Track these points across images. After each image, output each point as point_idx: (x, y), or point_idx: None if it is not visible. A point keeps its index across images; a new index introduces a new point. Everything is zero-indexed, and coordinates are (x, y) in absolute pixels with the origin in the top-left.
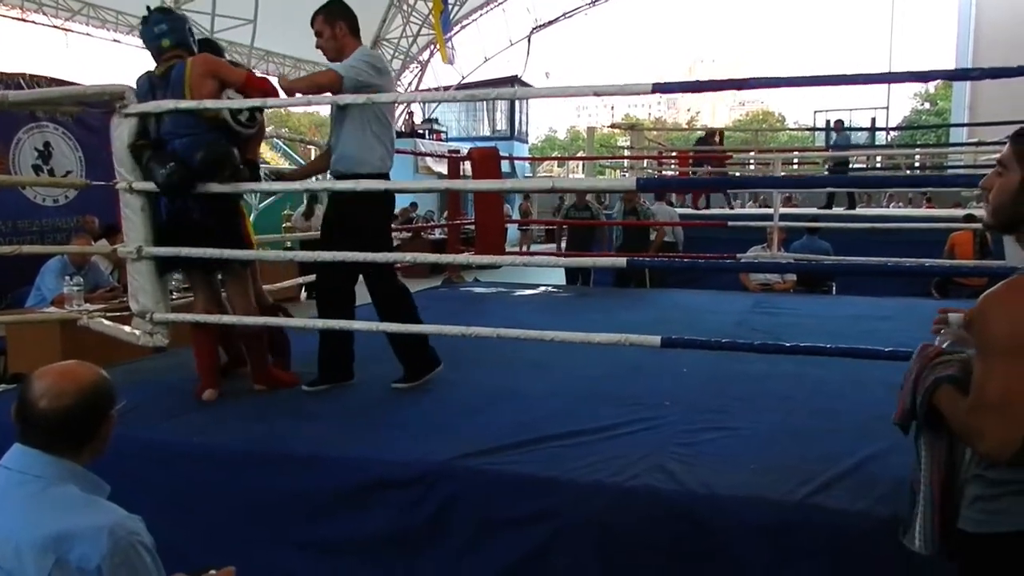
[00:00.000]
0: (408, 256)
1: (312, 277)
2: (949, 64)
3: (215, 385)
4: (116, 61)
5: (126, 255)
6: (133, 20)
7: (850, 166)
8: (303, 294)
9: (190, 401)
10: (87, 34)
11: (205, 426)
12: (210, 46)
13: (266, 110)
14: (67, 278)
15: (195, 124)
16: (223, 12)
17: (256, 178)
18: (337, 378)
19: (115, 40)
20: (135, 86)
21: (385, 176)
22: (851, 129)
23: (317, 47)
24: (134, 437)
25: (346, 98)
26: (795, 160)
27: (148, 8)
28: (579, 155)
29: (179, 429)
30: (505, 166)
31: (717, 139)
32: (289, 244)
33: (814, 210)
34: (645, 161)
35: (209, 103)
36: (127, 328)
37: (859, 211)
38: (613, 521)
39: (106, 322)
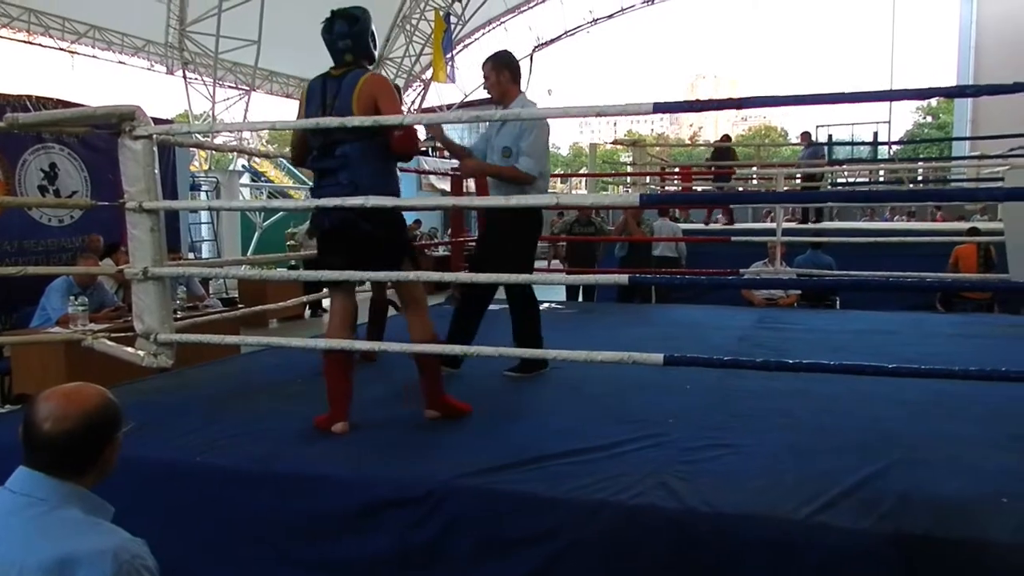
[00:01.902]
0: (411, 275)
1: (315, 295)
2: (951, 78)
3: (345, 417)
4: (121, 83)
5: (132, 276)
6: (138, 42)
7: (823, 180)
8: (307, 312)
9: (194, 420)
10: (93, 56)
11: (209, 446)
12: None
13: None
14: (72, 298)
15: (364, 130)
16: (228, 33)
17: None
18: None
19: (120, 62)
20: (309, 84)
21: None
22: (843, 143)
23: (484, 88)
24: (138, 456)
25: (353, 120)
26: (797, 175)
27: (332, 11)
28: (582, 171)
29: (183, 449)
30: None
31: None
32: (293, 262)
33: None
34: (648, 177)
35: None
36: (131, 349)
37: (863, 225)
38: (617, 540)
39: (109, 343)
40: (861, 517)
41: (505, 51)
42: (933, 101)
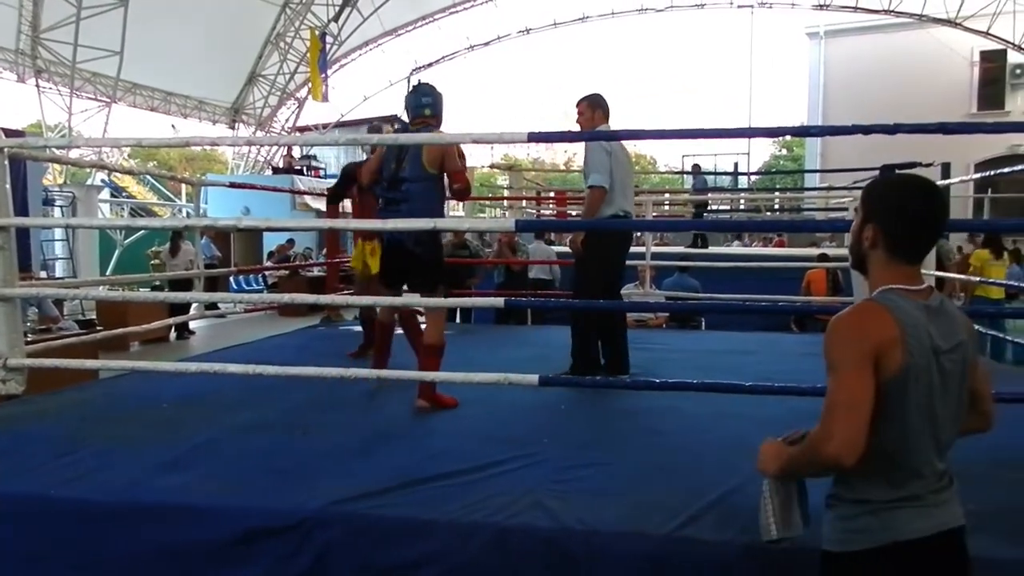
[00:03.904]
0: (285, 297)
1: (181, 318)
2: (804, 114)
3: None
4: None
5: None
6: None
7: (708, 208)
8: (172, 334)
9: (47, 451)
10: None
11: (65, 478)
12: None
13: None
14: None
15: (423, 173)
16: (87, 42)
17: None
18: (589, 370)
19: None
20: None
21: (619, 217)
22: (711, 173)
23: (577, 122)
24: None
25: (226, 139)
26: (665, 202)
27: (419, 81)
28: None
29: (35, 482)
30: None
31: None
32: (158, 282)
33: (683, 248)
34: (524, 201)
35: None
36: None
37: (725, 250)
38: (492, 561)
39: None
40: (722, 530)
41: (598, 94)
42: (787, 136)
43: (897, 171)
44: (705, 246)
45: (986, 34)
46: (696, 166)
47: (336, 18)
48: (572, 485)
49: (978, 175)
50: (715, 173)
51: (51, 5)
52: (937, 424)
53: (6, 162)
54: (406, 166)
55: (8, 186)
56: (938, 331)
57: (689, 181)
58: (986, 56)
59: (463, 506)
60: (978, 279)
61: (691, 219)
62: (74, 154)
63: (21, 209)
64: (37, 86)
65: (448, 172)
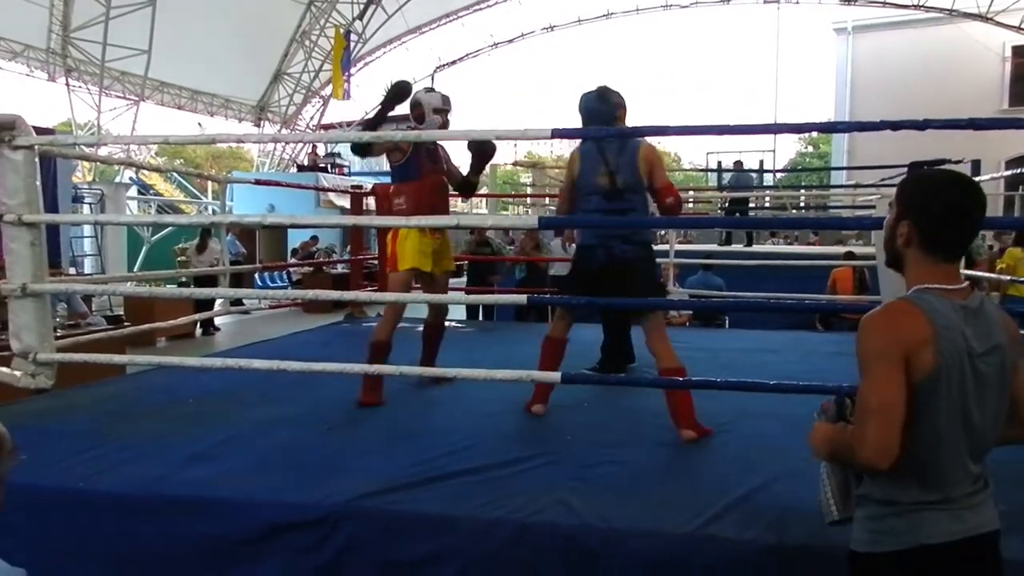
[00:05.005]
0: (309, 293)
1: (206, 314)
2: (830, 110)
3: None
4: None
5: (10, 292)
6: (17, 46)
7: (749, 204)
8: (198, 330)
9: (76, 444)
10: None
11: (93, 471)
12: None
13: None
14: None
15: (638, 183)
16: (115, 41)
17: None
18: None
19: None
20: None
21: None
22: (749, 171)
23: None
24: (15, 484)
25: (252, 137)
26: (690, 199)
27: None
28: (482, 192)
29: (65, 474)
30: None
31: None
32: (184, 279)
33: (709, 246)
34: (547, 198)
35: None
36: (6, 368)
37: (750, 248)
38: (513, 558)
39: None
40: (746, 528)
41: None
42: (813, 132)
43: (927, 167)
44: (750, 244)
45: (1018, 29)
46: (738, 163)
47: (361, 16)
48: (595, 482)
49: (1009, 172)
50: (751, 170)
51: (81, 5)
52: (972, 428)
53: (37, 160)
54: (620, 175)
55: (39, 183)
56: (974, 333)
57: (714, 178)
58: (1018, 51)
59: (485, 503)
60: (1009, 278)
61: (718, 216)
62: (103, 152)
63: (51, 206)
64: (67, 85)
65: (658, 186)
